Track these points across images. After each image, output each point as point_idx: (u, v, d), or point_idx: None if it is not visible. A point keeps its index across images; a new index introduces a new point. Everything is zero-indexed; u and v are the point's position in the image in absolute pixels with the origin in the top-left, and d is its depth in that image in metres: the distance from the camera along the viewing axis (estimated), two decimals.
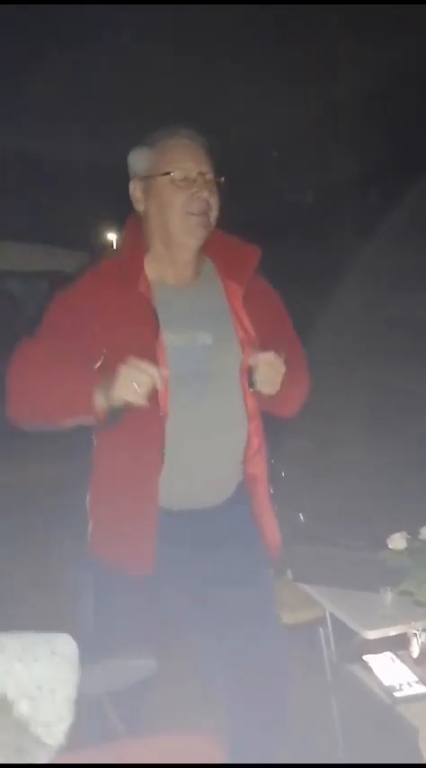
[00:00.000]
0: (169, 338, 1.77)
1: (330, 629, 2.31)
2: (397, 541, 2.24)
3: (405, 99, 8.27)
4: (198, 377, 1.78)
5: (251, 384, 1.78)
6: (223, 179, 1.84)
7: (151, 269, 1.83)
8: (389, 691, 1.99)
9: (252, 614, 1.88)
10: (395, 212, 7.66)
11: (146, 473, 1.76)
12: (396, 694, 1.98)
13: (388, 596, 2.12)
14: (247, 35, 8.48)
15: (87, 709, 1.58)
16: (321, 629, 2.34)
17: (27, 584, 3.28)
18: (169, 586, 1.81)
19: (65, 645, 1.34)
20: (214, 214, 1.83)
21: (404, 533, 2.25)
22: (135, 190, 1.85)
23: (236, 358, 1.83)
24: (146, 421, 1.72)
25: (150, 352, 1.71)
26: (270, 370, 1.76)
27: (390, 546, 2.24)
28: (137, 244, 1.86)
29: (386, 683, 2.02)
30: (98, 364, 1.73)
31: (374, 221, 7.85)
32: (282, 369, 1.76)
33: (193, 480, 1.81)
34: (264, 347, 1.82)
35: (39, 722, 1.09)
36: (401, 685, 2.01)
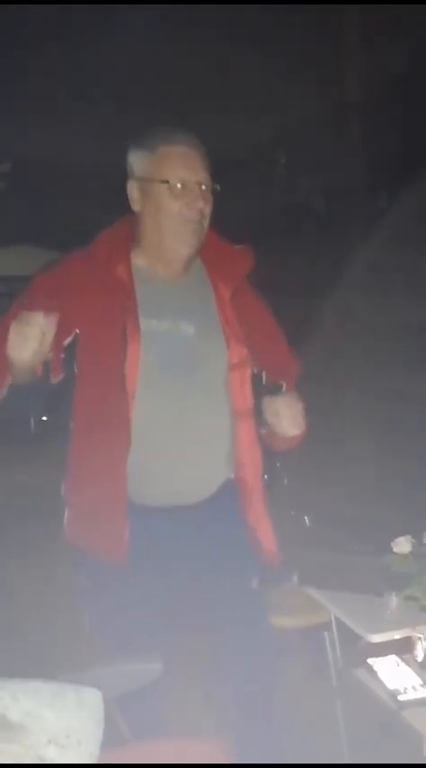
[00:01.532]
0: (150, 324, 1.80)
1: (335, 633, 2.32)
2: (402, 545, 2.25)
3: (415, 100, 8.25)
4: (179, 366, 1.80)
5: (262, 425, 1.81)
6: (218, 186, 1.86)
7: (139, 258, 1.87)
8: (394, 695, 2.00)
9: (235, 617, 1.87)
10: (405, 214, 7.65)
11: (114, 455, 1.77)
12: (401, 698, 1.98)
13: (393, 600, 2.13)
14: (252, 33, 8.49)
15: None
16: (326, 634, 2.35)
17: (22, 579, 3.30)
18: (151, 583, 1.81)
19: (92, 698, 1.34)
20: (206, 222, 1.86)
21: (409, 537, 2.25)
22: (132, 190, 1.87)
23: (222, 352, 1.85)
24: (114, 400, 1.75)
25: (122, 335, 1.75)
26: (293, 411, 1.79)
27: (395, 550, 2.24)
28: (125, 234, 1.89)
29: (391, 686, 2.02)
30: (67, 341, 1.77)
31: (384, 224, 7.84)
32: (301, 404, 1.81)
33: (172, 474, 1.81)
34: (257, 356, 1.86)
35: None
36: (406, 689, 2.01)
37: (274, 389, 1.84)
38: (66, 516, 1.85)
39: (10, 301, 1.85)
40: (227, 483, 1.87)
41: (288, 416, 1.79)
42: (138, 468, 1.78)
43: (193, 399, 1.82)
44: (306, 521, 2.46)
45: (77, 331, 1.78)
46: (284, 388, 1.85)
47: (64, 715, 1.25)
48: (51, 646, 2.54)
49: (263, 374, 1.90)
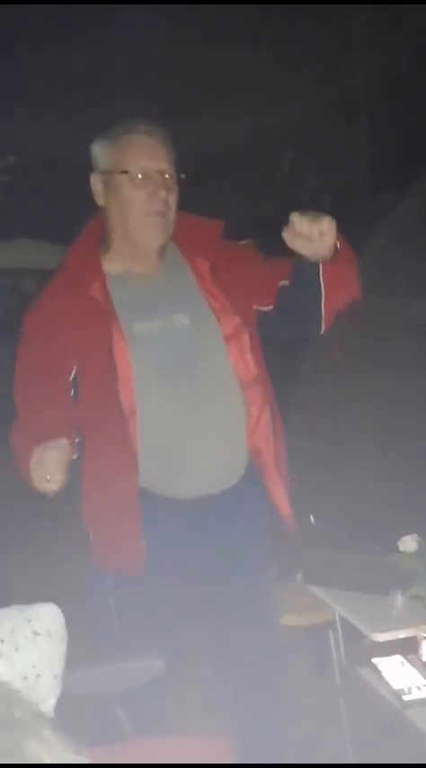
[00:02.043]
0: (143, 327, 1.77)
1: (339, 631, 2.30)
2: (408, 544, 2.23)
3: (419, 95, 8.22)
4: (182, 359, 1.78)
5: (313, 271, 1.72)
6: (183, 175, 1.81)
7: (113, 264, 1.83)
8: (398, 694, 1.99)
9: (253, 610, 1.87)
10: (412, 213, 7.63)
11: (122, 476, 1.76)
12: (405, 698, 1.97)
13: (399, 599, 2.11)
14: (259, 30, 8.47)
15: (96, 709, 1.58)
16: (330, 632, 2.33)
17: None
18: (176, 580, 1.80)
19: (48, 619, 1.30)
20: (172, 213, 1.81)
21: (415, 536, 2.24)
22: (95, 183, 1.83)
23: (216, 330, 1.82)
24: (115, 425, 1.73)
25: (110, 355, 1.73)
26: (309, 215, 1.67)
27: (401, 549, 2.23)
28: (92, 242, 1.86)
29: (396, 686, 2.01)
30: (71, 376, 1.76)
31: (389, 223, 7.82)
32: (327, 218, 1.67)
33: (198, 465, 1.79)
34: (253, 302, 1.84)
35: (28, 708, 1.06)
36: (410, 689, 2.00)
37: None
38: (90, 542, 1.83)
39: (12, 295, 1.84)
40: (250, 464, 1.86)
41: (310, 222, 1.66)
42: (161, 467, 1.76)
43: (202, 387, 1.79)
44: (312, 519, 2.45)
45: (76, 367, 1.77)
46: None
47: (17, 658, 1.23)
48: None
49: (274, 298, 1.86)
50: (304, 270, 1.79)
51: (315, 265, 1.77)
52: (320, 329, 1.89)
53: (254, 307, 1.89)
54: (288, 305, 1.87)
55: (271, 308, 1.89)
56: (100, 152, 1.83)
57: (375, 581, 2.20)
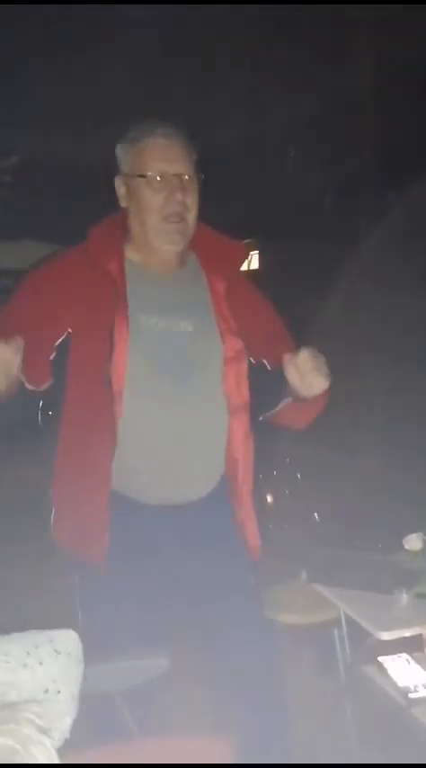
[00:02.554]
0: (146, 321, 1.77)
1: (344, 630, 2.29)
2: (413, 542, 2.23)
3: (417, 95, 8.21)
4: (177, 363, 1.77)
5: (288, 395, 1.77)
6: (203, 176, 1.82)
7: (134, 254, 1.84)
8: (404, 692, 1.98)
9: (233, 617, 1.85)
10: (415, 211, 7.62)
11: (98, 454, 1.75)
12: (411, 696, 1.97)
13: (404, 598, 2.10)
14: (251, 30, 8.47)
15: (99, 708, 1.58)
16: (335, 631, 2.33)
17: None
18: (141, 581, 1.78)
19: (67, 641, 1.33)
20: (192, 215, 1.81)
21: (421, 534, 2.23)
22: (119, 186, 1.84)
23: (217, 347, 1.81)
24: (100, 400, 1.73)
25: (110, 333, 1.72)
26: (316, 362, 1.71)
27: (406, 547, 2.23)
28: (119, 229, 1.86)
29: (401, 684, 2.01)
30: (58, 342, 1.75)
31: (393, 220, 7.81)
32: (321, 356, 1.73)
33: (170, 471, 1.78)
34: (257, 346, 1.83)
35: (45, 723, 1.07)
36: (416, 687, 1.99)
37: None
38: (52, 516, 1.83)
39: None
40: (221, 480, 1.85)
41: (312, 369, 1.70)
42: (134, 467, 1.76)
43: (190, 397, 1.78)
44: (316, 517, 2.44)
45: (70, 330, 1.76)
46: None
47: (40, 671, 1.24)
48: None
49: (265, 362, 1.87)
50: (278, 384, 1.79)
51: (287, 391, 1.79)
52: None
53: (253, 354, 1.86)
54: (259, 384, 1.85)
55: (256, 362, 1.87)
56: (121, 155, 1.84)
57: (380, 579, 2.19)
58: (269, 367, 1.86)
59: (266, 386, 1.83)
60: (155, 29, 8.43)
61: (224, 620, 1.84)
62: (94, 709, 1.49)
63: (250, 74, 8.67)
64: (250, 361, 1.86)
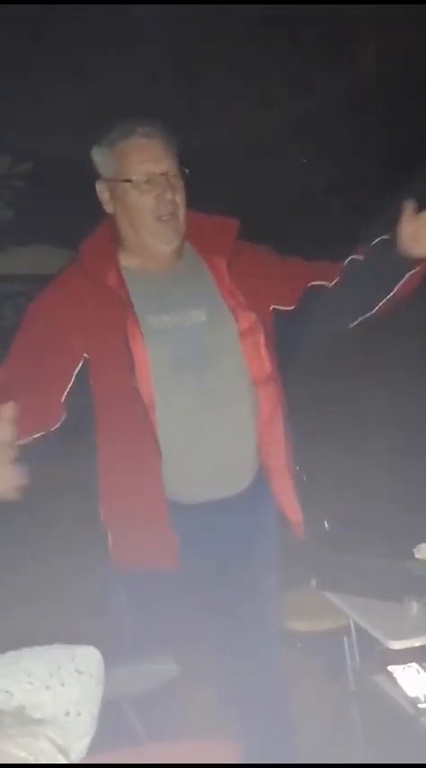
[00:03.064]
0: (159, 322, 1.75)
1: (354, 638, 2.28)
2: (425, 551, 2.21)
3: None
4: (198, 355, 1.77)
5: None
6: (187, 170, 1.80)
7: (129, 259, 1.82)
8: (414, 702, 1.96)
9: (258, 614, 1.86)
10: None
11: (146, 468, 1.74)
12: (421, 706, 1.95)
13: (414, 607, 2.09)
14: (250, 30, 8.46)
15: (108, 712, 1.58)
16: (345, 639, 2.32)
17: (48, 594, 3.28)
18: (190, 585, 1.80)
19: (89, 660, 1.32)
20: (182, 212, 1.80)
21: None
22: (102, 192, 1.82)
23: (232, 326, 1.80)
24: (135, 415, 1.72)
25: (126, 348, 1.71)
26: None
27: (417, 555, 2.21)
28: (107, 240, 1.83)
29: (411, 694, 1.99)
30: (77, 369, 1.72)
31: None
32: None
33: (211, 467, 1.78)
34: (277, 296, 1.84)
35: (64, 743, 1.07)
36: (425, 697, 1.98)
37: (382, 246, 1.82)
38: (110, 540, 1.80)
39: (27, 301, 1.84)
40: (259, 468, 1.85)
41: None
42: (174, 468, 1.75)
43: (218, 386, 1.78)
44: (326, 524, 2.43)
45: (86, 356, 1.74)
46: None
47: (62, 693, 1.24)
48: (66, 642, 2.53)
49: (318, 282, 1.88)
50: (391, 254, 1.79)
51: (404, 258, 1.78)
52: (356, 320, 1.90)
53: (272, 306, 1.88)
54: (325, 301, 1.86)
55: (292, 307, 1.88)
56: (101, 159, 1.81)
57: (390, 588, 2.17)
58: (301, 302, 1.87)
59: (356, 287, 1.84)
60: (170, 31, 8.46)
61: (242, 625, 1.85)
62: (102, 713, 1.49)
63: (251, 71, 8.67)
64: (283, 314, 1.86)
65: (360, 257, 1.88)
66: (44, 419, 1.70)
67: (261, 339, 1.82)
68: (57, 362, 1.73)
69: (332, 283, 1.89)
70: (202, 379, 1.76)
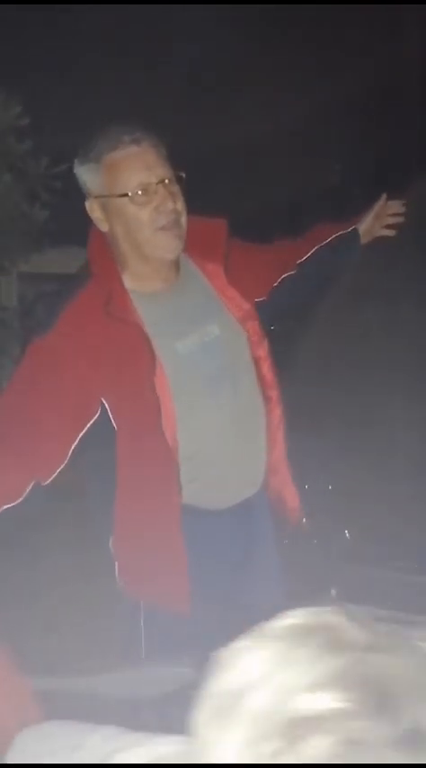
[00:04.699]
0: (186, 345, 1.71)
1: None
2: None
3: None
4: (219, 370, 1.75)
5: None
6: (183, 174, 1.71)
7: (133, 281, 1.72)
8: None
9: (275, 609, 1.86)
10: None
11: (166, 511, 1.71)
12: None
13: None
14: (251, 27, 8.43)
15: (126, 716, 1.59)
16: None
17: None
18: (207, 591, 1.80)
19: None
20: (184, 218, 1.71)
21: None
22: (93, 210, 1.70)
23: (242, 336, 1.79)
24: (158, 457, 1.68)
25: (150, 387, 1.63)
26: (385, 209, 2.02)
27: None
28: (110, 263, 1.72)
29: None
30: (92, 421, 1.61)
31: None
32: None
33: (234, 474, 1.79)
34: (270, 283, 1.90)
35: None
36: None
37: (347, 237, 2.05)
38: (117, 570, 1.78)
39: (58, 298, 1.76)
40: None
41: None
42: (197, 481, 1.75)
43: (238, 395, 1.78)
44: (347, 534, 2.43)
45: (103, 400, 1.63)
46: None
47: None
48: (83, 647, 2.56)
49: (287, 274, 1.96)
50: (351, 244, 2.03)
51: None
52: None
53: (255, 300, 1.88)
54: (287, 288, 1.95)
55: (264, 298, 1.90)
56: (88, 176, 1.70)
57: (411, 600, 2.16)
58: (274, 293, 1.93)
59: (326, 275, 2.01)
60: (211, 36, 8.48)
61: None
62: (121, 715, 1.50)
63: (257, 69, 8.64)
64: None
65: (324, 248, 2.01)
66: (35, 473, 1.61)
67: (267, 344, 1.82)
68: (67, 410, 1.63)
69: (295, 271, 1.98)
70: (225, 392, 1.76)
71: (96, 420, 1.64)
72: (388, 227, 2.10)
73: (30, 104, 5.78)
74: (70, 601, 3.20)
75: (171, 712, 1.79)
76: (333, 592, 2.25)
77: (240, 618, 1.84)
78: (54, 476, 1.62)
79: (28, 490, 1.58)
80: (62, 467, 1.63)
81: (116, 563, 1.79)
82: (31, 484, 1.59)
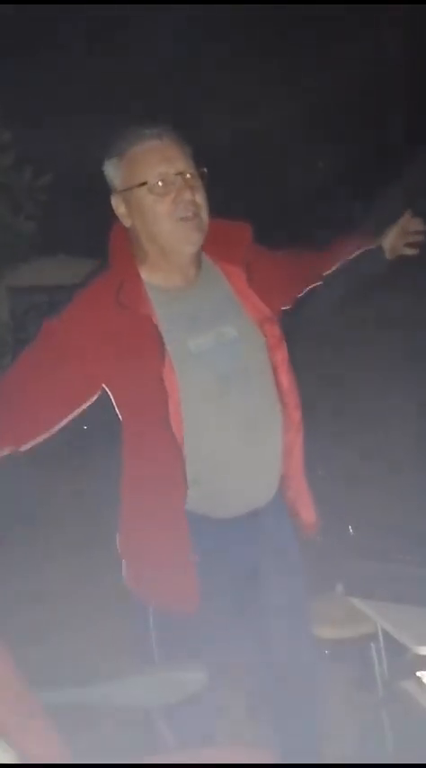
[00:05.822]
0: (199, 343, 1.69)
1: (382, 644, 2.27)
2: None
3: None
4: (235, 373, 1.72)
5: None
6: (205, 169, 1.72)
7: (151, 275, 1.73)
8: None
9: (292, 621, 1.86)
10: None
11: (171, 506, 1.70)
12: None
13: None
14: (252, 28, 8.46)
15: (138, 722, 1.59)
16: (372, 645, 2.31)
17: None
18: (218, 597, 1.80)
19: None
20: (205, 213, 1.71)
21: None
22: (118, 206, 1.73)
23: (260, 341, 1.77)
24: (167, 449, 1.66)
25: (158, 379, 1.62)
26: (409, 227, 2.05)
27: None
28: (128, 255, 1.74)
29: None
30: (89, 402, 1.62)
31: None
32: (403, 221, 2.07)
33: (247, 481, 1.76)
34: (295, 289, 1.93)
35: None
36: None
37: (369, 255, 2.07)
38: (124, 569, 1.78)
39: (50, 310, 1.76)
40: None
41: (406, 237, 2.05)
42: (206, 487, 1.72)
43: (252, 400, 1.75)
44: (350, 530, 2.43)
45: (106, 387, 1.63)
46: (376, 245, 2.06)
47: None
48: (96, 652, 2.55)
49: (314, 285, 2.00)
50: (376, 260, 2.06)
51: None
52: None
53: (281, 308, 1.88)
54: (313, 299, 1.97)
55: (290, 306, 1.92)
56: (113, 172, 1.73)
57: (418, 593, 2.17)
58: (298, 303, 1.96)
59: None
60: (191, 35, 8.48)
61: (276, 634, 1.84)
62: (132, 722, 1.50)
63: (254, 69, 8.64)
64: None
65: (350, 261, 2.04)
66: (13, 437, 1.61)
67: (286, 353, 1.80)
68: (63, 388, 1.63)
69: (321, 282, 2.01)
70: (240, 396, 1.72)
71: (101, 411, 1.64)
72: (410, 245, 2.08)
73: (8, 118, 5.79)
74: (78, 602, 3.19)
75: (184, 717, 1.80)
76: (339, 587, 2.26)
77: (249, 624, 1.85)
78: (32, 444, 1.62)
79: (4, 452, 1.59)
80: (43, 437, 1.62)
81: (123, 561, 1.78)
82: (7, 447, 1.60)
